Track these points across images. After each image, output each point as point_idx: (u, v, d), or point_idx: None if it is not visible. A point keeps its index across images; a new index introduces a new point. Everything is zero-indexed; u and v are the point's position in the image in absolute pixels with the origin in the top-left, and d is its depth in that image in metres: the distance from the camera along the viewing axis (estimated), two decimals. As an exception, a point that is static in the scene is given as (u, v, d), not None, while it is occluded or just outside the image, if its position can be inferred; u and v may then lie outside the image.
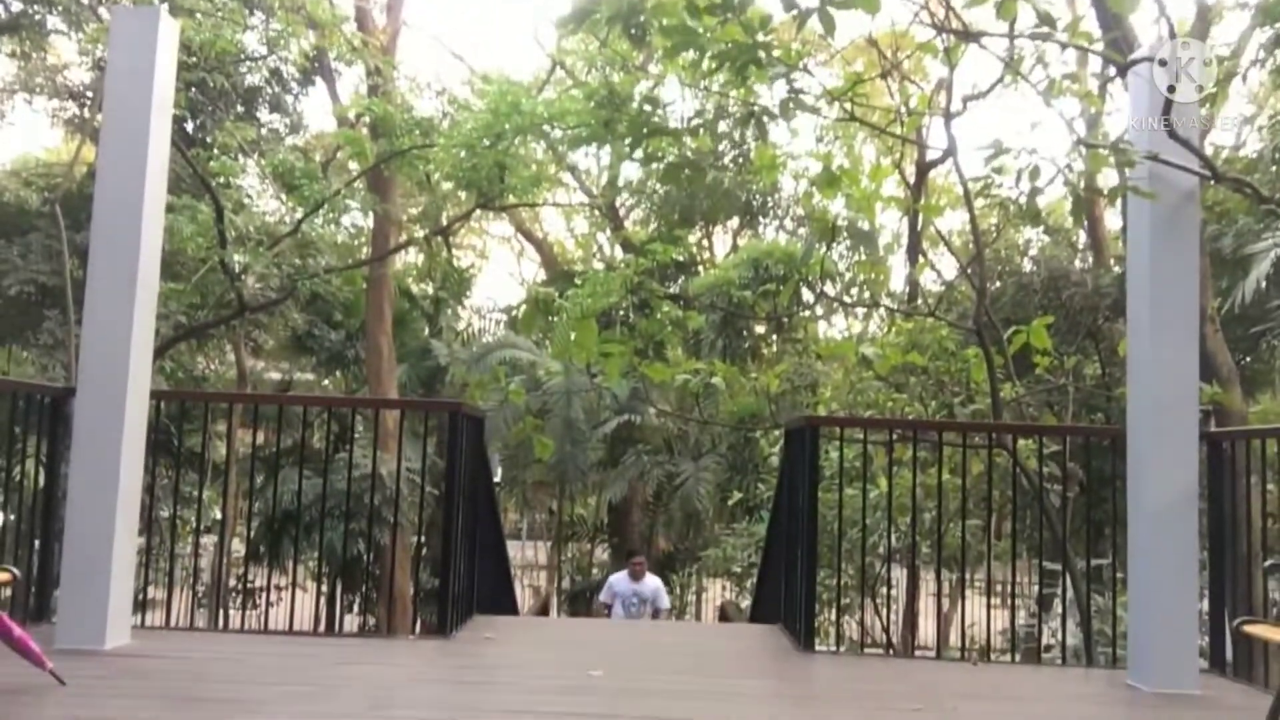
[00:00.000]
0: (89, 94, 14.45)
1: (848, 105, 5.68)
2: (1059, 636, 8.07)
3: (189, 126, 13.33)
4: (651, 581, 10.31)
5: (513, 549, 12.78)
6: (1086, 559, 6.24)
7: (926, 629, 13.75)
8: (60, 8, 12.13)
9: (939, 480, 6.53)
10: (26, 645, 3.62)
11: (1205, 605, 5.19)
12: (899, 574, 10.91)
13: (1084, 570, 6.35)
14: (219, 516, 16.16)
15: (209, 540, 17.03)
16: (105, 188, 4.62)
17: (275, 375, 20.51)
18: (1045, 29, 3.85)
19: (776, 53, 4.65)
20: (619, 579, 10.29)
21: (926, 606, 13.55)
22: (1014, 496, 6.92)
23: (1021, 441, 7.36)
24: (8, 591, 4.88)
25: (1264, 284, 10.30)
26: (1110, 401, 10.90)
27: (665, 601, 10.42)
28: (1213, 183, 4.48)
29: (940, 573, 7.32)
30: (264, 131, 14.86)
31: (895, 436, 6.22)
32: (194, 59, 11.03)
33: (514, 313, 22.01)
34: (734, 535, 14.43)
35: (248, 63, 13.47)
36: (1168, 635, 4.49)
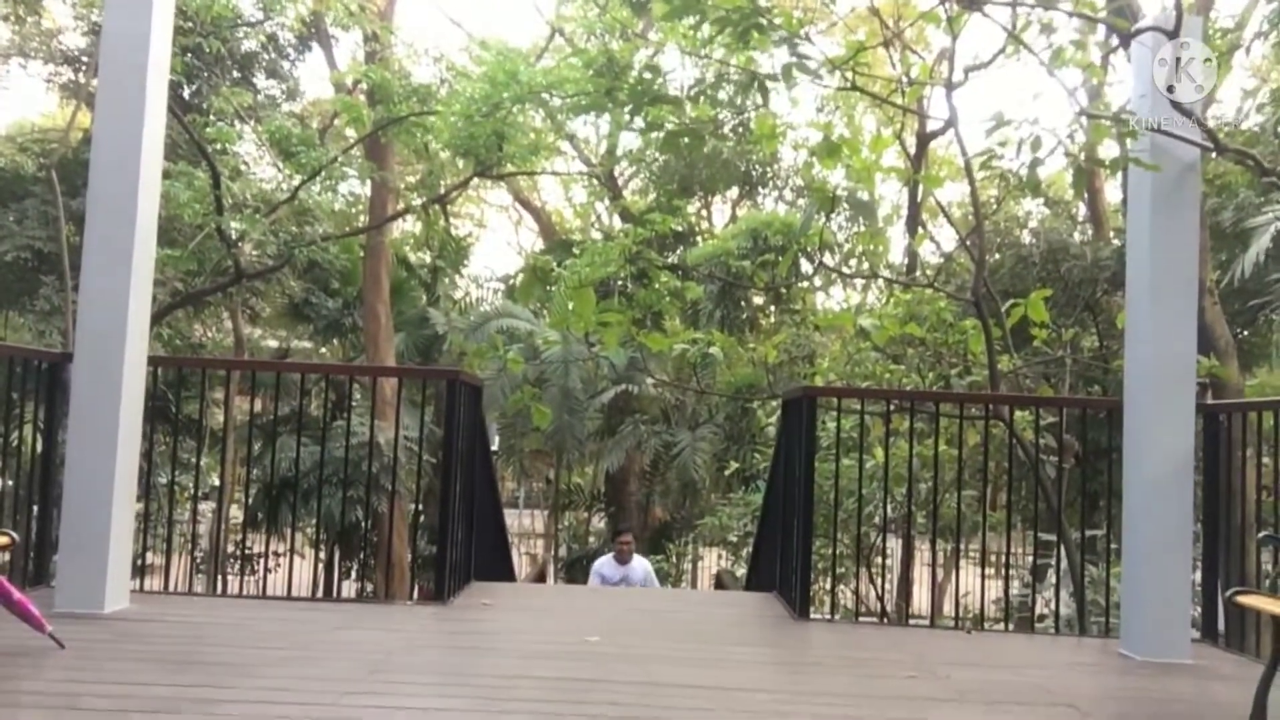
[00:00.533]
0: (84, 59, 14.33)
1: (849, 74, 5.65)
2: (1052, 606, 8.13)
3: (185, 92, 13.24)
4: (640, 565, 9.71)
5: (510, 517, 12.84)
6: (1081, 530, 6.28)
7: (921, 598, 13.85)
8: (54, -30, 11.99)
9: (935, 451, 6.55)
10: (26, 608, 3.64)
11: (1198, 576, 5.23)
12: (894, 544, 10.97)
13: (1079, 541, 6.39)
14: (217, 483, 16.21)
15: (207, 507, 17.10)
16: (101, 151, 4.59)
17: (273, 343, 20.50)
18: (1049, -4, 3.82)
19: (778, 20, 4.62)
20: (605, 564, 9.67)
21: (921, 576, 13.66)
22: (1010, 468, 6.93)
23: (1018, 413, 7.37)
24: (6, 556, 4.90)
25: (1263, 258, 10.29)
26: (1107, 374, 10.92)
27: (655, 585, 9.77)
28: (1214, 155, 4.46)
29: (935, 543, 7.36)
30: (260, 98, 14.76)
31: (892, 407, 6.23)
32: (190, 24, 10.94)
33: (512, 282, 21.98)
34: (730, 505, 14.49)
35: (244, 28, 13.35)
36: (1160, 605, 4.53)
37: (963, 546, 8.14)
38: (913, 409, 6.46)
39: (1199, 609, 5.20)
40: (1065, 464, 7.60)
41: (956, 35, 6.14)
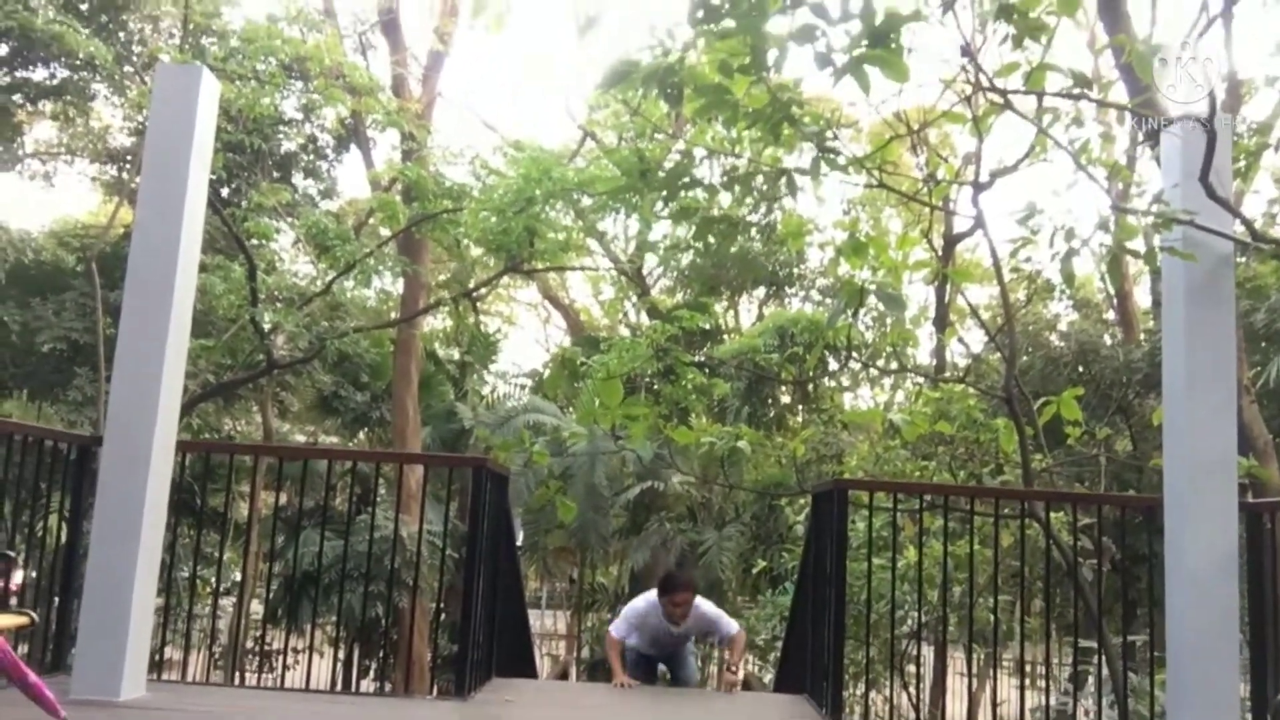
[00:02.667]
0: (129, 157, 14.79)
1: (875, 172, 5.70)
2: (1093, 716, 7.83)
3: (224, 190, 13.60)
4: (699, 621, 6.46)
5: (532, 618, 12.62)
6: (1123, 636, 6.07)
7: (956, 709, 13.40)
8: (104, 73, 12.46)
9: (970, 550, 6.40)
10: (41, 692, 3.57)
11: (1246, 686, 5.02)
12: (927, 651, 10.67)
13: (1119, 647, 6.17)
14: (238, 578, 16.11)
15: (227, 602, 16.96)
16: (141, 241, 4.67)
17: (301, 437, 20.59)
18: (1078, 89, 3.86)
19: (806, 120, 4.69)
20: (645, 610, 6.47)
21: (955, 686, 13.23)
22: (1046, 570, 6.76)
23: (1054, 515, 7.22)
24: (25, 648, 4.84)
25: (1298, 359, 10.16)
26: (1142, 476, 10.73)
27: (731, 626, 6.49)
28: (1250, 247, 4.43)
29: (971, 650, 7.14)
30: (298, 196, 15.13)
31: (925, 503, 6.12)
32: (232, 124, 11.28)
33: (539, 377, 22.06)
34: (757, 606, 14.19)
35: (284, 128, 13.75)
36: (1207, 713, 4.33)
37: (998, 654, 7.90)
38: (946, 505, 6.34)
39: (1248, 717, 4.97)
40: (1104, 566, 7.41)
41: (983, 136, 6.21)
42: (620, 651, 6.47)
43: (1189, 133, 3.96)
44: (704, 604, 6.47)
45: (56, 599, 5.28)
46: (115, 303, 11.72)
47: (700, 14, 3.56)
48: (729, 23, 3.68)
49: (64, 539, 5.32)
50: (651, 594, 6.43)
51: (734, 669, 6.45)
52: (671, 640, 6.54)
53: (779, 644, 9.85)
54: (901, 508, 6.63)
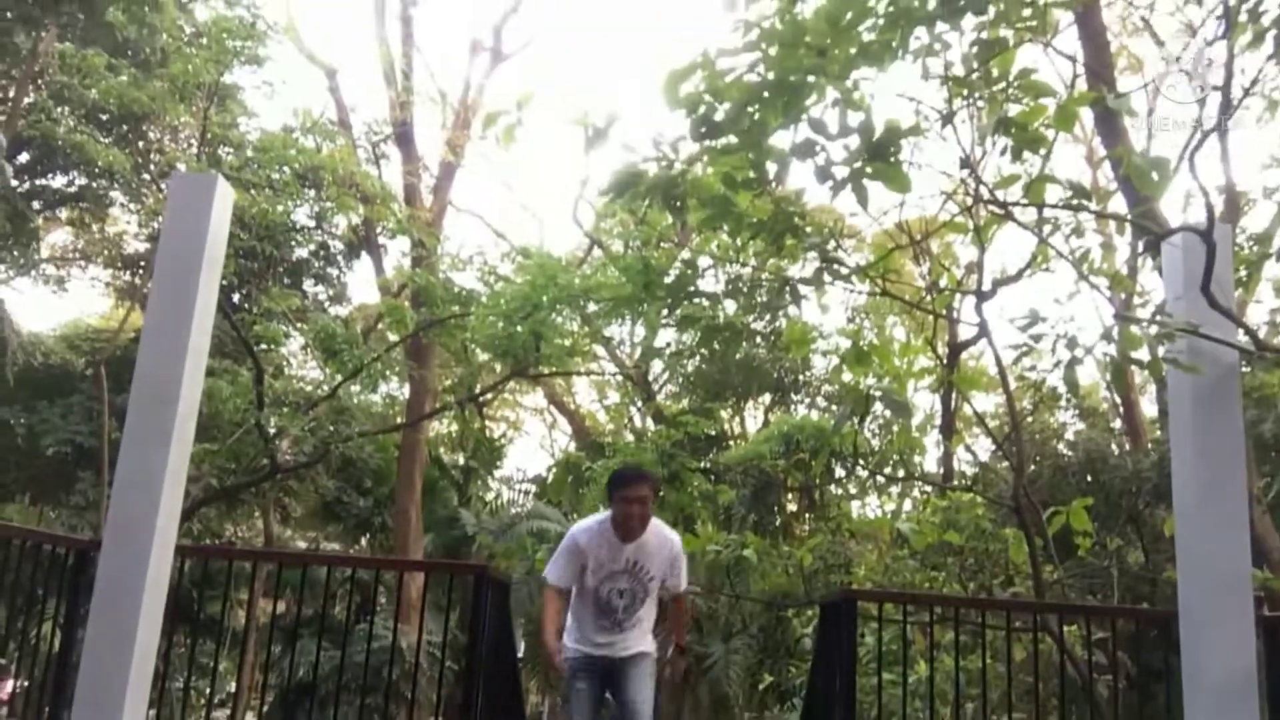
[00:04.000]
0: (143, 263, 15.02)
1: (879, 281, 5.76)
2: (1114, 842, 7.54)
3: (235, 296, 13.76)
4: (661, 542, 4.93)
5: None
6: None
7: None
8: (122, 181, 12.75)
9: (983, 665, 6.25)
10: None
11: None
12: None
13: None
14: (233, 689, 15.75)
15: (222, 715, 16.55)
16: (150, 342, 4.70)
17: (302, 543, 20.39)
18: (1078, 200, 3.91)
19: (809, 229, 4.76)
20: (591, 530, 4.89)
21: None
22: (1061, 686, 6.57)
23: (1067, 629, 7.06)
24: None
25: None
26: (1155, 588, 10.54)
27: (682, 579, 5.02)
28: (1255, 356, 4.43)
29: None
30: (308, 302, 15.31)
31: (936, 615, 5.99)
32: (245, 232, 11.49)
33: (543, 483, 21.93)
34: (765, 723, 13.82)
35: (296, 235, 13.99)
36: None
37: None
38: (957, 617, 6.20)
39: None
40: (1119, 683, 7.22)
41: (985, 246, 6.29)
42: (558, 611, 4.80)
43: (1189, 243, 4.00)
44: (665, 527, 4.94)
45: (47, 709, 5.15)
46: (122, 407, 11.76)
47: (703, 130, 3.64)
48: (731, 139, 3.76)
49: (58, 647, 5.22)
50: (598, 515, 4.96)
51: (681, 644, 5.06)
52: (628, 584, 4.71)
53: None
54: (911, 620, 6.49)
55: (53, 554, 5.04)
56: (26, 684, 5.33)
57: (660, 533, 4.75)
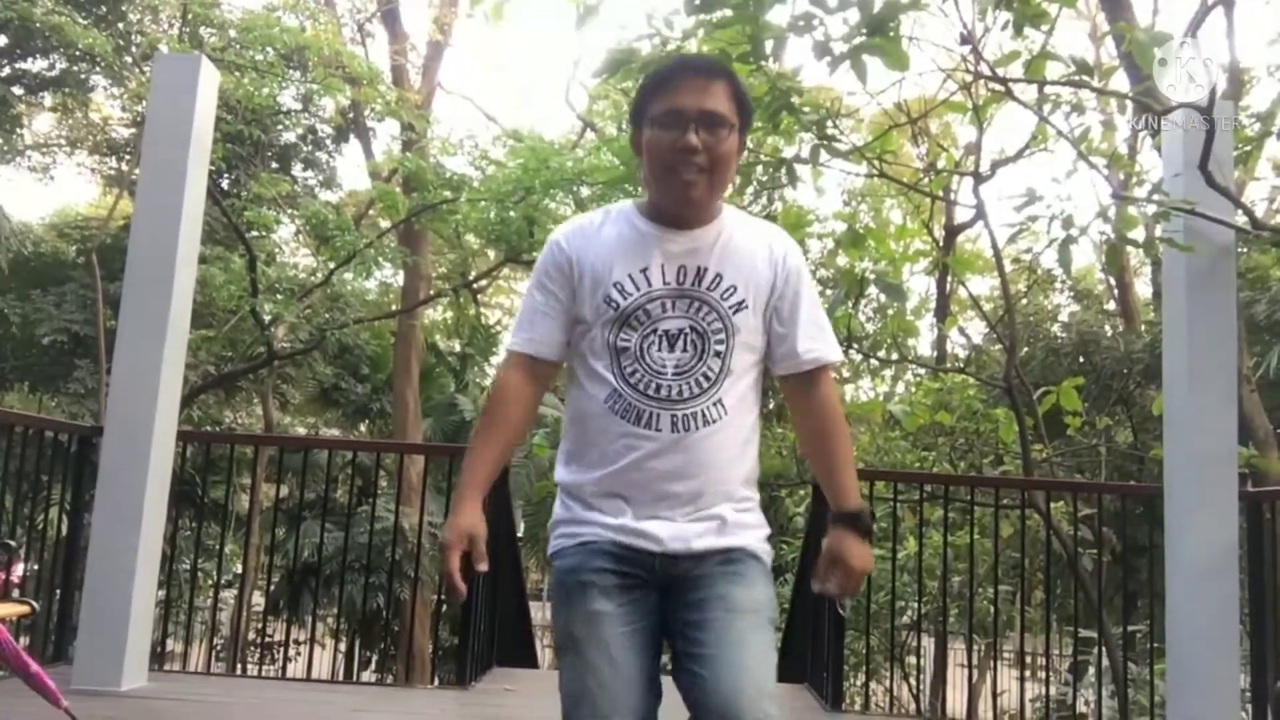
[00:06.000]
0: (129, 149, 14.77)
1: (876, 162, 5.69)
2: (1094, 706, 7.85)
3: (224, 181, 13.58)
4: (755, 239, 1.94)
5: (533, 609, 12.61)
6: (1123, 626, 6.08)
7: (956, 700, 13.41)
8: (103, 64, 12.44)
9: (971, 541, 6.41)
10: (43, 681, 3.57)
11: (1246, 677, 5.02)
12: (927, 641, 10.69)
13: (1119, 637, 6.18)
14: (239, 570, 16.13)
15: (229, 594, 16.98)
16: (140, 232, 4.66)
17: (301, 429, 20.61)
18: (1079, 77, 3.84)
19: (806, 108, 4.68)
20: (580, 226, 1.97)
21: (956, 677, 13.25)
22: (1047, 561, 6.76)
23: (1054, 505, 7.22)
24: (26, 638, 4.85)
25: (1299, 350, 10.17)
26: (1142, 466, 10.73)
27: (825, 330, 1.97)
28: (1251, 236, 4.42)
29: (971, 640, 7.14)
30: (298, 187, 15.12)
31: (926, 493, 6.11)
32: (231, 114, 11.27)
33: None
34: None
35: (283, 119, 13.73)
36: (1208, 703, 4.33)
37: (998, 645, 7.91)
38: (946, 495, 6.34)
39: (1249, 708, 4.98)
40: (1104, 557, 7.42)
41: (984, 125, 6.20)
42: (509, 420, 1.91)
43: (1190, 122, 3.95)
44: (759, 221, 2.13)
45: (58, 591, 5.28)
46: (115, 294, 11.72)
47: (698, 2, 3.55)
48: (726, 12, 3.67)
49: (65, 531, 5.33)
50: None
51: (856, 511, 1.94)
52: (688, 322, 1.86)
53: (780, 632, 9.86)
54: (901, 498, 6.63)
55: (55, 440, 5.11)
56: (36, 567, 5.45)
57: (751, 225, 2.06)
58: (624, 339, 1.84)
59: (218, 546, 9.23)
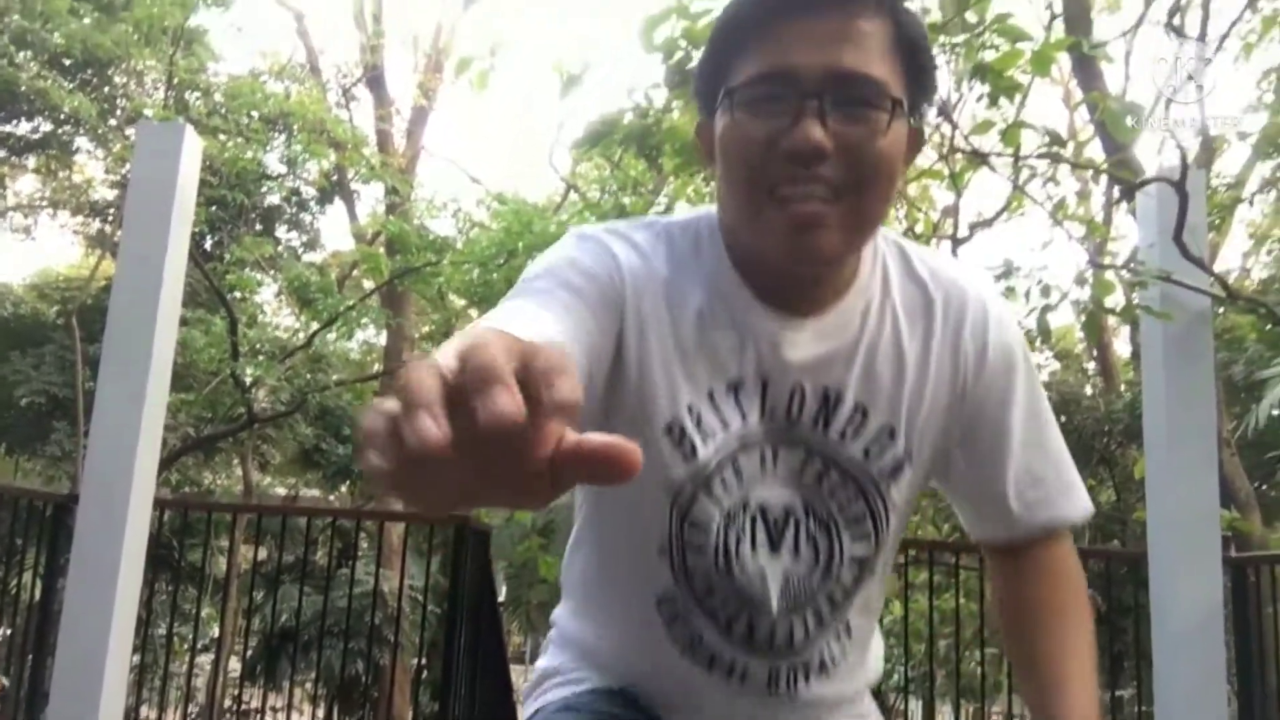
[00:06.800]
0: (112, 211, 14.79)
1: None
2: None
3: (207, 243, 13.59)
4: (936, 274, 1.12)
5: (515, 673, 12.44)
6: (1111, 690, 6.03)
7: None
8: (88, 127, 12.50)
9: (956, 605, 6.37)
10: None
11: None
12: (915, 705, 10.57)
13: (1107, 702, 6.13)
14: (216, 634, 15.86)
15: (205, 659, 16.66)
16: (121, 295, 4.65)
17: (281, 490, 20.41)
18: (1054, 149, 3.91)
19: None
20: (638, 244, 1.08)
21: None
22: (1031, 623, 6.74)
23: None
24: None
25: (1277, 410, 10.23)
26: (1125, 527, 10.73)
27: (1072, 482, 1.20)
28: (1226, 305, 4.47)
29: (958, 705, 7.05)
30: (281, 249, 15.14)
31: (911, 557, 6.08)
32: (215, 177, 11.32)
33: (522, 430, 21.95)
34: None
35: (268, 182, 13.81)
36: (1198, 771, 4.29)
37: (986, 709, 7.83)
38: (931, 560, 6.31)
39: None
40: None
41: (961, 191, 6.29)
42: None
43: (1164, 191, 4.01)
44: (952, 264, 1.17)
45: (30, 657, 5.18)
46: (95, 356, 11.63)
47: (677, 77, 3.60)
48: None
49: (38, 596, 5.24)
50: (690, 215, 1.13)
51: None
52: (804, 505, 1.07)
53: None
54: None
55: (30, 505, 5.04)
56: (9, 632, 5.35)
57: (921, 282, 1.11)
58: (697, 518, 1.05)
59: (194, 610, 9.09)
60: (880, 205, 0.99)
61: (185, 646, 15.65)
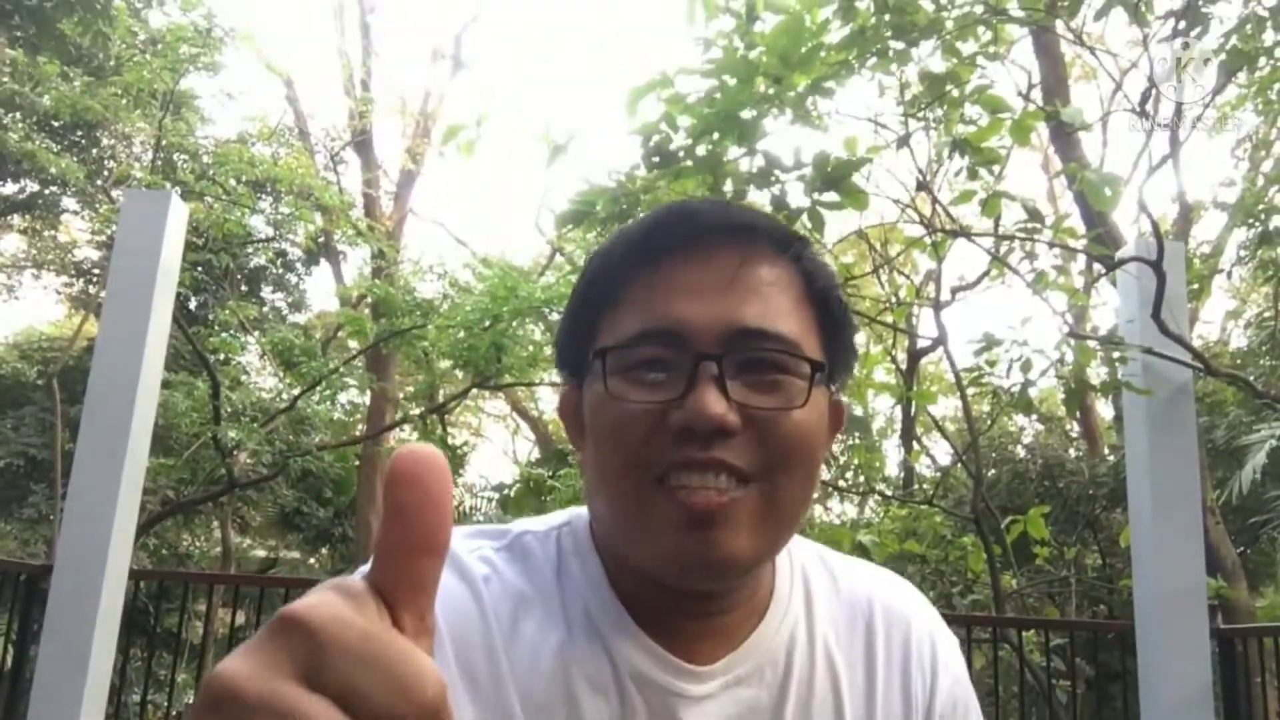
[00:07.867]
0: (96, 271, 14.78)
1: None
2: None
3: (191, 304, 13.58)
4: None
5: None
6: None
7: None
8: (75, 188, 12.54)
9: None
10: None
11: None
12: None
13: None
14: (191, 701, 15.53)
15: (179, 728, 16.29)
16: (102, 362, 4.62)
17: (261, 552, 20.14)
18: (1033, 224, 3.96)
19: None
20: (477, 598, 0.87)
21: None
22: (1020, 693, 6.65)
23: (1026, 633, 7.15)
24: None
25: (1259, 475, 10.26)
26: (1113, 593, 10.68)
27: None
28: (1205, 376, 4.51)
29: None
30: (266, 310, 15.14)
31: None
32: (201, 240, 11.35)
33: (506, 491, 21.82)
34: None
35: (253, 245, 13.84)
36: None
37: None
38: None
39: None
40: (1078, 689, 7.32)
41: (942, 259, 6.35)
42: None
43: (1142, 272, 4.06)
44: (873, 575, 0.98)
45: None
46: (76, 418, 11.53)
47: (656, 159, 3.65)
48: (687, 163, 3.77)
49: (9, 663, 5.13)
50: (554, 523, 0.96)
51: None
52: None
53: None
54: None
55: (3, 573, 4.95)
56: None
57: (855, 608, 0.91)
58: None
59: (169, 676, 8.89)
60: (800, 495, 0.78)
61: (159, 715, 15.32)
